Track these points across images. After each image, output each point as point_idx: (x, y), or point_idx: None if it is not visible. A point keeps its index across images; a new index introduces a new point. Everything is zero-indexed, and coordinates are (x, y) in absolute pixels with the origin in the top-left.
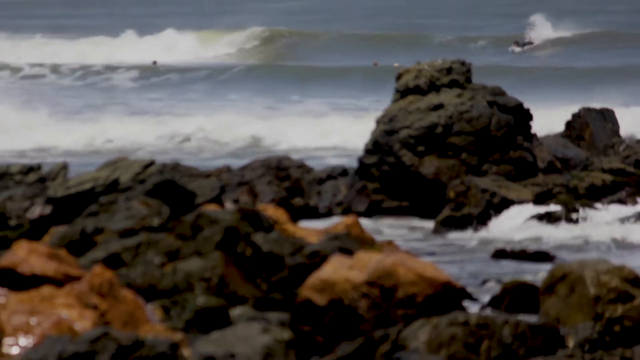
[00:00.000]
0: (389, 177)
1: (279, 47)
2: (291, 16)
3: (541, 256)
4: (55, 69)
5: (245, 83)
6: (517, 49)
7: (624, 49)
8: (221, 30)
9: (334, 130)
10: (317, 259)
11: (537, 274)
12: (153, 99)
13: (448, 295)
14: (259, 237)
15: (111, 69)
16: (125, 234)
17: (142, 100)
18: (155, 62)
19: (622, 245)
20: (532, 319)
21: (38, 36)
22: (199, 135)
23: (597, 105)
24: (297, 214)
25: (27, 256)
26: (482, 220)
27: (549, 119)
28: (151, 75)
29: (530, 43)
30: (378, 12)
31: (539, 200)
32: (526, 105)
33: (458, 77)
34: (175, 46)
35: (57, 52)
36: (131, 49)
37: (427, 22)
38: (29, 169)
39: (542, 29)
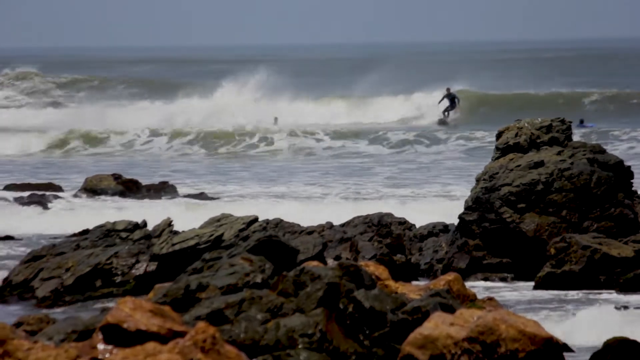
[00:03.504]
0: (490, 233)
1: None
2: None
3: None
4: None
5: None
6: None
7: None
8: None
9: None
10: (419, 315)
11: None
12: None
13: (550, 351)
14: (360, 294)
15: None
16: (228, 290)
17: None
18: (276, 118)
19: None
20: None
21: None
22: None
23: None
24: (398, 271)
25: (132, 312)
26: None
27: None
28: None
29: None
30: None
31: None
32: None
33: (558, 135)
34: None
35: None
36: None
37: None
38: (135, 226)
39: None
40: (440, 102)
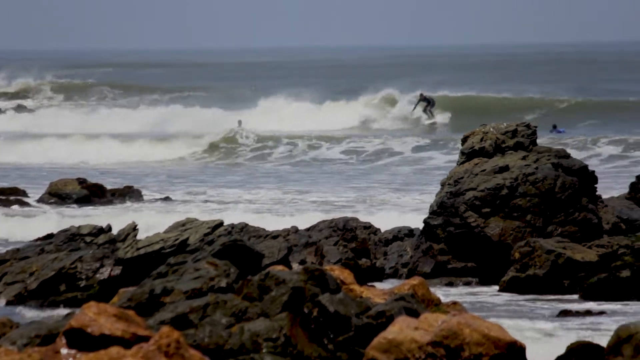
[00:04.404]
0: (455, 238)
1: None
2: None
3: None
4: None
5: None
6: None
7: None
8: None
9: None
10: (383, 319)
11: (603, 334)
12: None
13: (513, 355)
14: (325, 298)
15: None
16: (193, 294)
17: None
18: (240, 121)
19: None
20: None
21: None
22: None
23: None
24: (363, 275)
25: (96, 317)
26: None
27: None
28: None
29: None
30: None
31: (603, 261)
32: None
33: (523, 139)
34: None
35: None
36: None
37: None
38: (100, 230)
39: None
40: (414, 109)
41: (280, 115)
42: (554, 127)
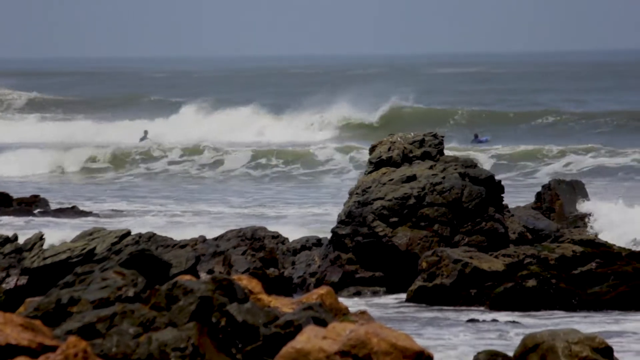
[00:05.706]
0: (363, 247)
1: None
2: None
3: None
4: None
5: None
6: None
7: None
8: None
9: None
10: (291, 328)
11: (510, 343)
12: None
13: None
14: (233, 307)
15: None
16: (100, 304)
17: None
18: (146, 132)
19: None
20: None
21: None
22: None
23: None
24: (271, 284)
25: (2, 327)
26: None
27: None
28: None
29: None
30: None
31: (510, 271)
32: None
33: (430, 149)
34: None
35: None
36: None
37: None
38: (6, 240)
39: None
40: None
41: (188, 125)
42: (476, 136)
